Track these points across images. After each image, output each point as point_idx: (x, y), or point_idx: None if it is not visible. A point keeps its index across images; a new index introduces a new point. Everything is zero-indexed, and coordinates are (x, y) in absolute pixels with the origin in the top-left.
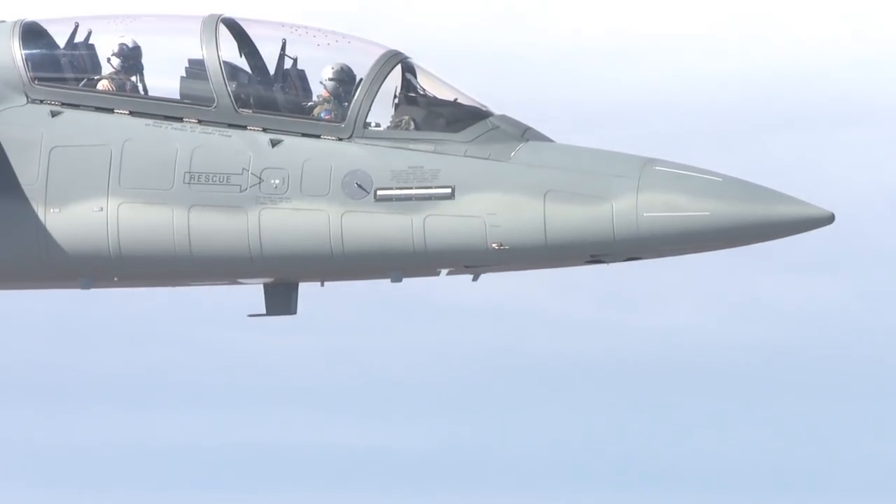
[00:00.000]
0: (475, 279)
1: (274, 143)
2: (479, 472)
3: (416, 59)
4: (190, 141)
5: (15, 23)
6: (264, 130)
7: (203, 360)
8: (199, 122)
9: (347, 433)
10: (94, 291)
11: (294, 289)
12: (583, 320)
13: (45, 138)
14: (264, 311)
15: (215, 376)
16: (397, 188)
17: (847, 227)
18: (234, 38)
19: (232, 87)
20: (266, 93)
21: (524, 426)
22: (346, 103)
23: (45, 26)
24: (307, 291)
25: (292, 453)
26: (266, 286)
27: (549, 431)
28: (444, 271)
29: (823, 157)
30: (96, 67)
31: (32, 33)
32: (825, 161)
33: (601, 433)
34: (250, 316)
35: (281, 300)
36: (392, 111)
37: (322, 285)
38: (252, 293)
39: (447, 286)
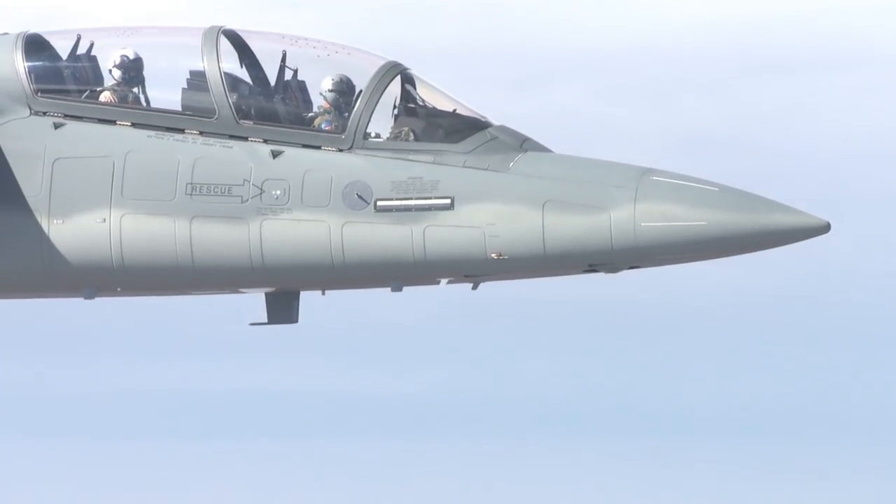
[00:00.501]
0: (475, 287)
1: (275, 155)
2: (475, 417)
3: (415, 70)
4: (192, 152)
5: (18, 35)
6: (265, 142)
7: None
8: (201, 133)
9: (343, 380)
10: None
11: (295, 297)
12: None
13: (48, 150)
14: (266, 320)
15: (209, 325)
16: (397, 199)
17: (838, 172)
18: (235, 49)
19: (233, 98)
20: (267, 104)
21: (522, 371)
22: (346, 114)
23: (47, 38)
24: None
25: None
26: (268, 295)
27: (546, 376)
28: (444, 280)
29: (812, 102)
30: (99, 79)
31: (35, 45)
32: (814, 106)
33: (597, 378)
34: (252, 324)
35: (282, 309)
36: (392, 122)
37: (323, 294)
38: (254, 301)
39: None
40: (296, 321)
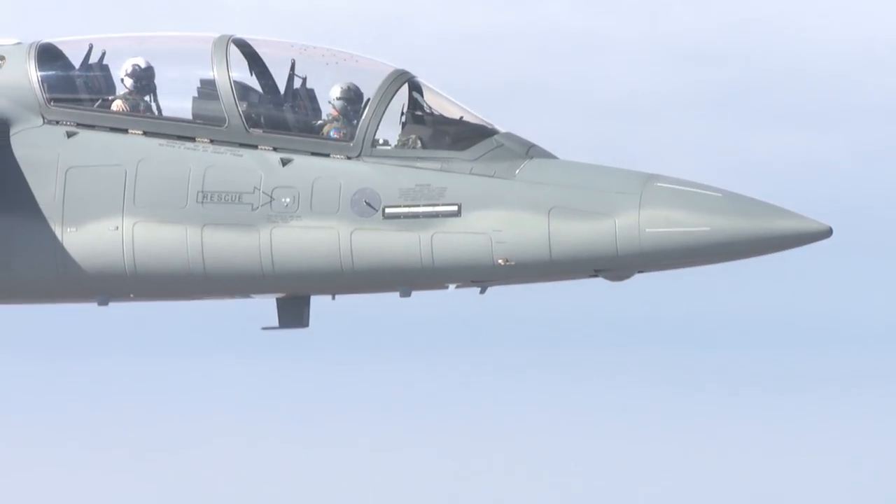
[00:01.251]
0: (482, 292)
1: (284, 163)
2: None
3: (422, 78)
4: (202, 161)
5: (31, 45)
6: (275, 150)
7: None
8: (211, 141)
9: None
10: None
11: (306, 302)
12: None
13: (61, 159)
14: (277, 325)
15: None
16: (405, 206)
17: (835, 82)
18: (245, 58)
19: (243, 107)
20: (276, 112)
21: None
22: (355, 122)
23: (60, 48)
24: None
25: None
26: (279, 300)
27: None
28: (452, 286)
29: (807, 9)
30: (111, 88)
31: (48, 55)
32: (809, 14)
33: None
34: (264, 329)
35: (293, 313)
36: (399, 130)
37: (333, 298)
38: (266, 306)
39: None
40: (307, 325)
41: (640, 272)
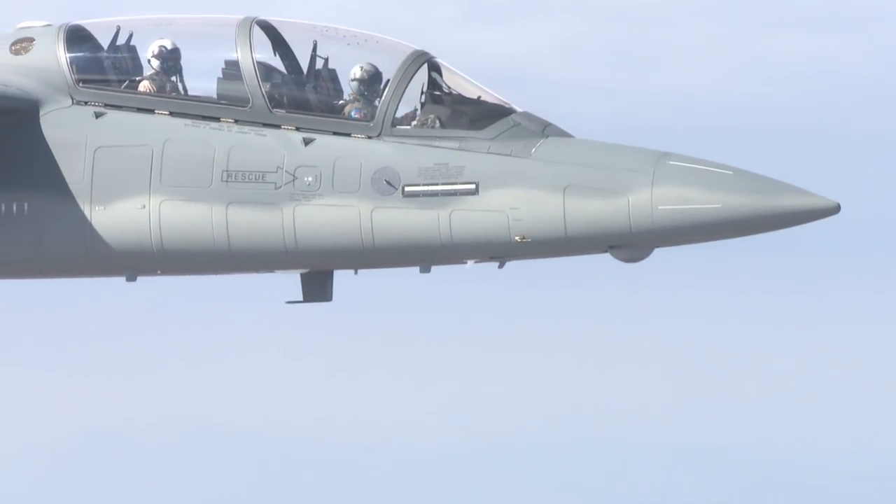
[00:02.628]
0: (501, 266)
1: (307, 142)
2: None
3: (441, 59)
4: (227, 140)
5: (60, 27)
6: (297, 129)
7: None
8: (236, 121)
9: None
10: None
11: (329, 277)
12: (594, 83)
13: (89, 139)
14: (301, 298)
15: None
16: (424, 184)
17: None
18: (269, 39)
19: (266, 87)
20: (299, 93)
21: None
22: (375, 102)
23: (88, 30)
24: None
25: None
26: (303, 275)
27: None
28: (470, 261)
29: None
30: (138, 69)
31: (77, 37)
32: None
33: None
34: (288, 303)
35: (317, 288)
36: (419, 109)
37: (356, 273)
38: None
39: None
40: (330, 299)
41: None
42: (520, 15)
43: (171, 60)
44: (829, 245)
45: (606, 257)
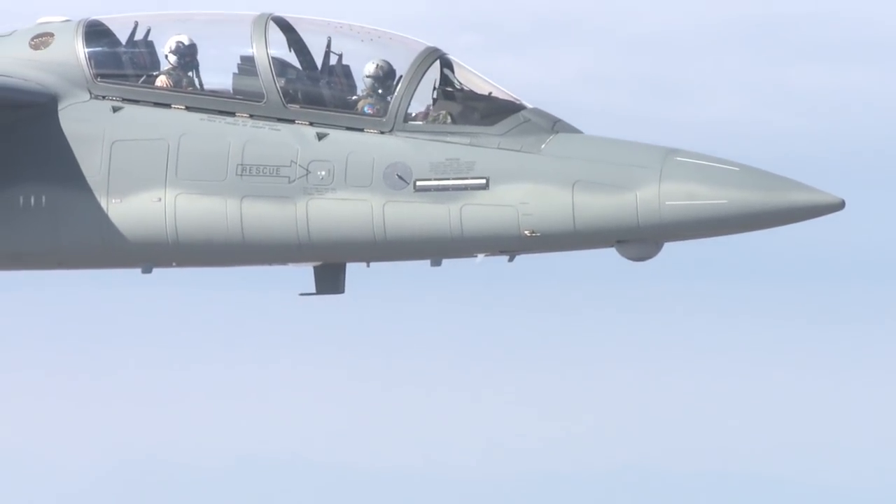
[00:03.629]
0: (511, 260)
1: (320, 137)
2: None
3: (453, 55)
4: (242, 135)
5: (79, 22)
6: (311, 124)
7: None
8: (251, 116)
9: None
10: None
11: (342, 269)
12: (620, 112)
13: (106, 133)
14: (314, 291)
15: None
16: (435, 179)
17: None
18: (284, 35)
19: (280, 83)
20: (313, 88)
21: None
22: (388, 98)
23: (107, 25)
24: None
25: None
26: (316, 268)
27: None
28: (480, 255)
29: None
30: (155, 64)
31: (95, 32)
32: None
33: None
34: (301, 295)
35: (330, 280)
36: (431, 105)
37: (368, 266)
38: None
39: None
40: (342, 291)
41: (661, 244)
42: (545, 43)
43: (188, 56)
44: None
45: (624, 261)
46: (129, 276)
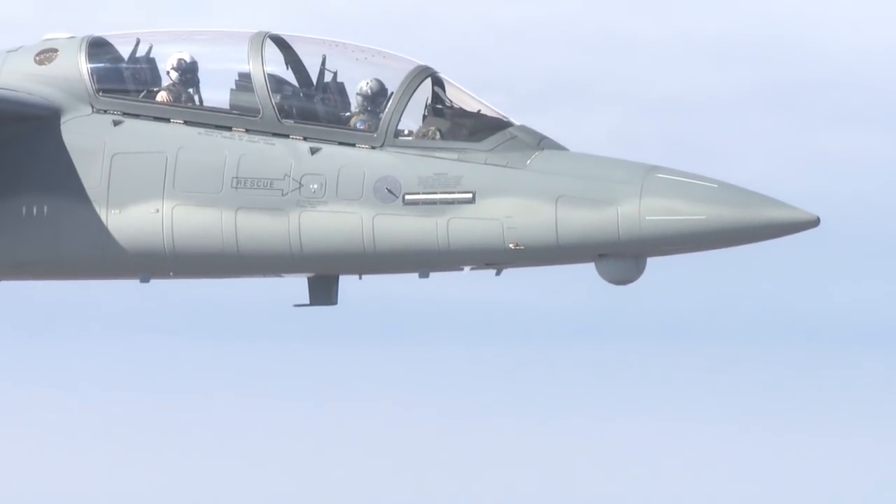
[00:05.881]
0: (498, 273)
1: (313, 151)
2: None
3: (443, 74)
4: (238, 149)
5: (82, 39)
6: (305, 139)
7: None
8: (247, 131)
9: None
10: None
11: (335, 282)
12: None
13: (107, 146)
14: (308, 302)
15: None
16: (424, 193)
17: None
18: (280, 53)
19: (276, 99)
20: (307, 104)
21: None
22: (379, 114)
23: (109, 41)
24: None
25: None
26: (310, 279)
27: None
28: (466, 268)
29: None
30: (156, 80)
31: (98, 48)
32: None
33: None
34: (295, 306)
35: (323, 292)
36: (420, 122)
37: (360, 278)
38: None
39: None
40: (335, 303)
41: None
42: (573, 104)
43: (189, 72)
44: None
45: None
46: (126, 286)
